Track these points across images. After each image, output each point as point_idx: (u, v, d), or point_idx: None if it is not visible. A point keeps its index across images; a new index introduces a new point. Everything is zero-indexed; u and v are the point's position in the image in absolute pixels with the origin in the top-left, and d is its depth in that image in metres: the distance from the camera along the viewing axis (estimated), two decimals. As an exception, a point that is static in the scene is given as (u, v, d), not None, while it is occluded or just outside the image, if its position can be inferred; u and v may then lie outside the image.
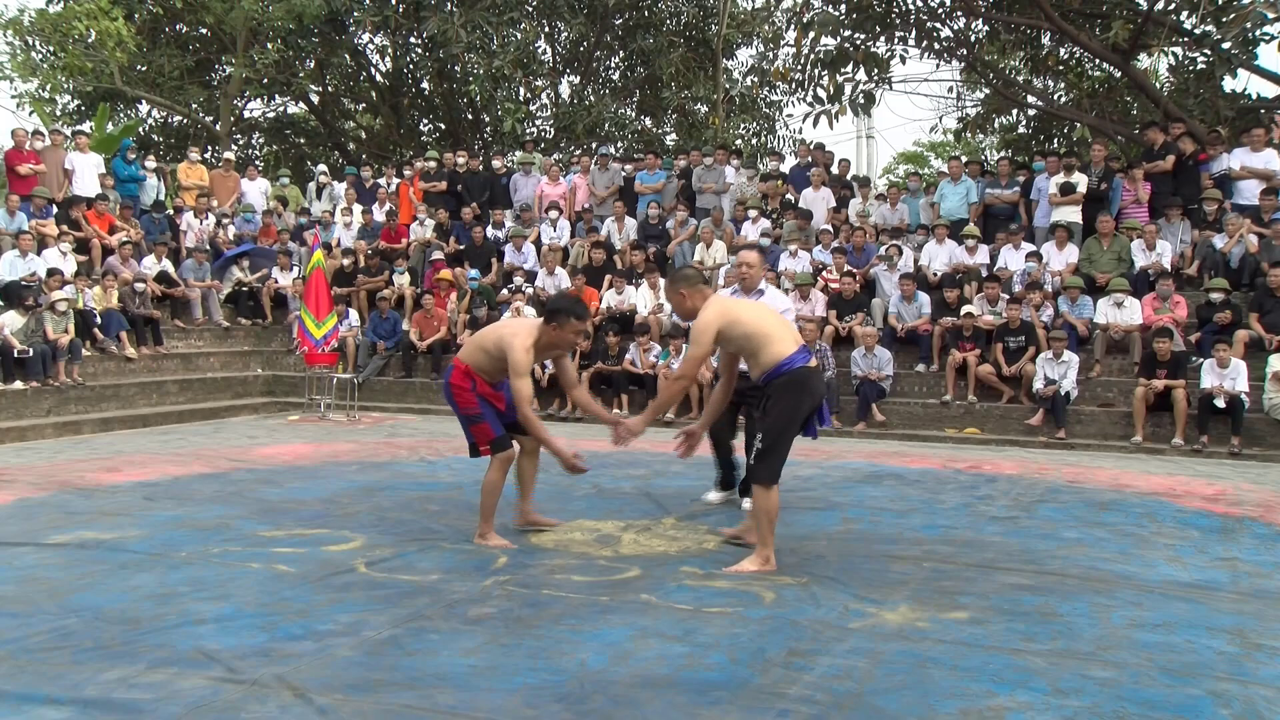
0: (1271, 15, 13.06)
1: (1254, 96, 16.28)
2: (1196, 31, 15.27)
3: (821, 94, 16.30)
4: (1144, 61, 17.33)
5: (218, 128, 22.39)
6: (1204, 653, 3.68)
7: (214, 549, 5.06)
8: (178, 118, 23.38)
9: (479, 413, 5.16)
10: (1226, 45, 13.95)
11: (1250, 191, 11.72)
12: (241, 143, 24.88)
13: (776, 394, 4.69)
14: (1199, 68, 16.20)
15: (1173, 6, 15.06)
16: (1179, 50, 16.45)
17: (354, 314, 13.55)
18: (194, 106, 22.20)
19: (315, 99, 24.18)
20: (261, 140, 25.45)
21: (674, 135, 23.85)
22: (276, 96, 23.59)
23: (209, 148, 22.42)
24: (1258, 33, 13.84)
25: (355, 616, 3.96)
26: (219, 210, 15.30)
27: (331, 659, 3.48)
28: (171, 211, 14.83)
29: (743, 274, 5.81)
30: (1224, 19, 14.01)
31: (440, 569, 4.70)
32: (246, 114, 24.42)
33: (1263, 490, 7.49)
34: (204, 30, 22.24)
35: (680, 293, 5.04)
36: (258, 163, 22.97)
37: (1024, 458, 9.18)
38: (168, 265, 13.54)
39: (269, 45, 21.01)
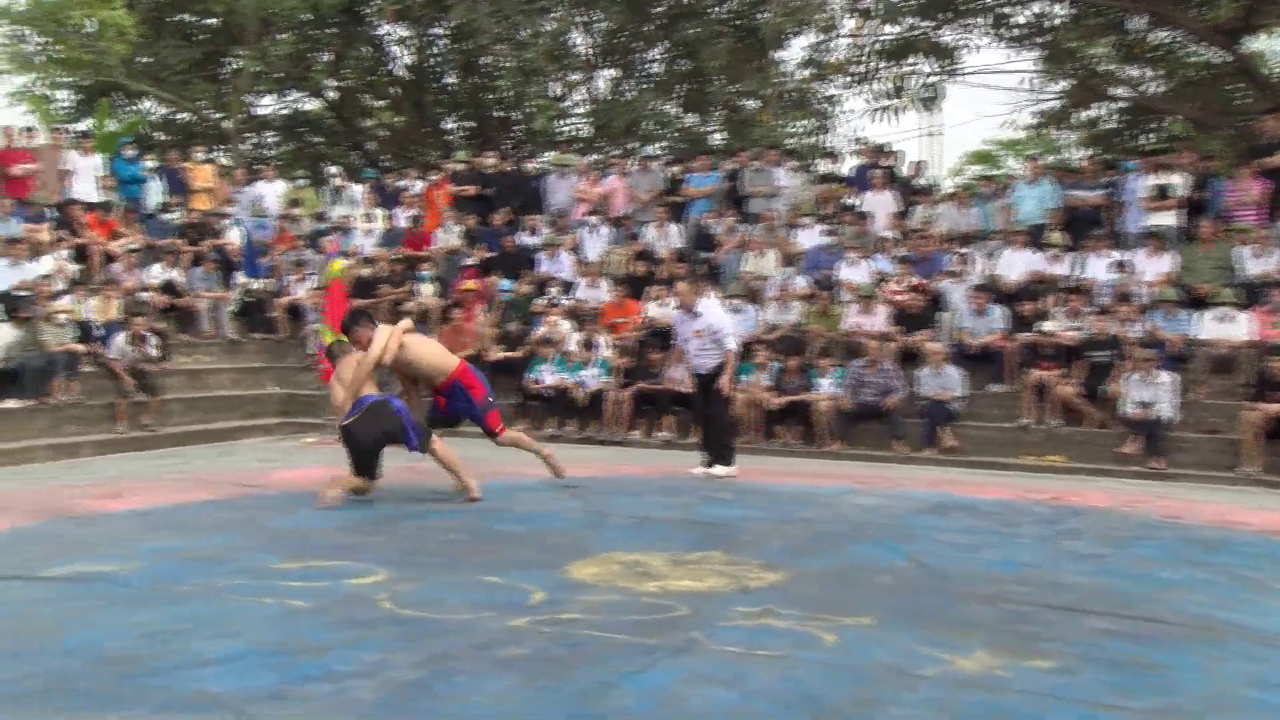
0: None
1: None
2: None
3: (883, 88, 16.27)
4: (1254, 43, 16.97)
5: (226, 125, 22.67)
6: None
7: (221, 582, 5.09)
8: (183, 114, 23.71)
9: None
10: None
11: None
12: (253, 141, 25.17)
13: None
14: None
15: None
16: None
17: (376, 327, 13.56)
18: (200, 102, 22.44)
19: (332, 94, 24.46)
20: (275, 139, 25.74)
21: (721, 133, 23.84)
22: (290, 92, 23.86)
23: (215, 146, 22.72)
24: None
25: (377, 656, 3.96)
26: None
27: (350, 701, 3.49)
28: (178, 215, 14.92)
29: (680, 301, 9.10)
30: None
31: (470, 605, 4.70)
32: (258, 111, 24.75)
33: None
34: (212, 20, 22.52)
35: None
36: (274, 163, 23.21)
37: (1114, 489, 9.04)
38: (174, 274, 13.58)
39: (282, 37, 21.24)
